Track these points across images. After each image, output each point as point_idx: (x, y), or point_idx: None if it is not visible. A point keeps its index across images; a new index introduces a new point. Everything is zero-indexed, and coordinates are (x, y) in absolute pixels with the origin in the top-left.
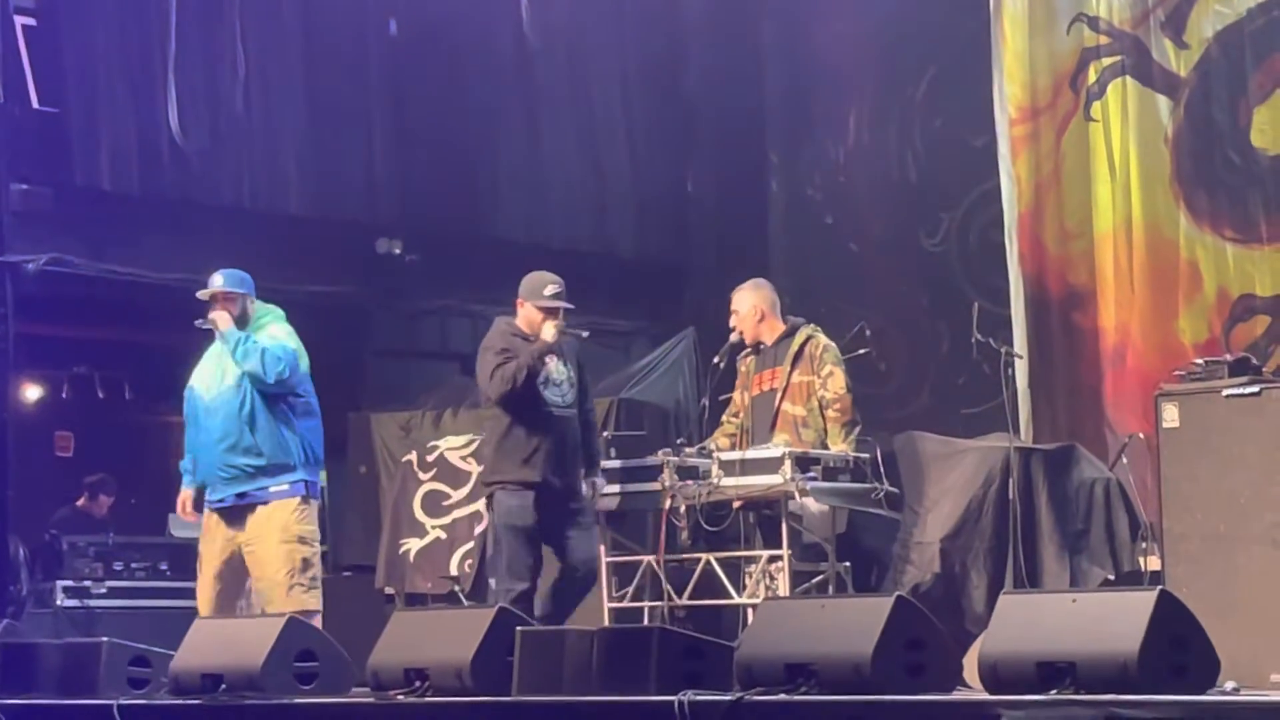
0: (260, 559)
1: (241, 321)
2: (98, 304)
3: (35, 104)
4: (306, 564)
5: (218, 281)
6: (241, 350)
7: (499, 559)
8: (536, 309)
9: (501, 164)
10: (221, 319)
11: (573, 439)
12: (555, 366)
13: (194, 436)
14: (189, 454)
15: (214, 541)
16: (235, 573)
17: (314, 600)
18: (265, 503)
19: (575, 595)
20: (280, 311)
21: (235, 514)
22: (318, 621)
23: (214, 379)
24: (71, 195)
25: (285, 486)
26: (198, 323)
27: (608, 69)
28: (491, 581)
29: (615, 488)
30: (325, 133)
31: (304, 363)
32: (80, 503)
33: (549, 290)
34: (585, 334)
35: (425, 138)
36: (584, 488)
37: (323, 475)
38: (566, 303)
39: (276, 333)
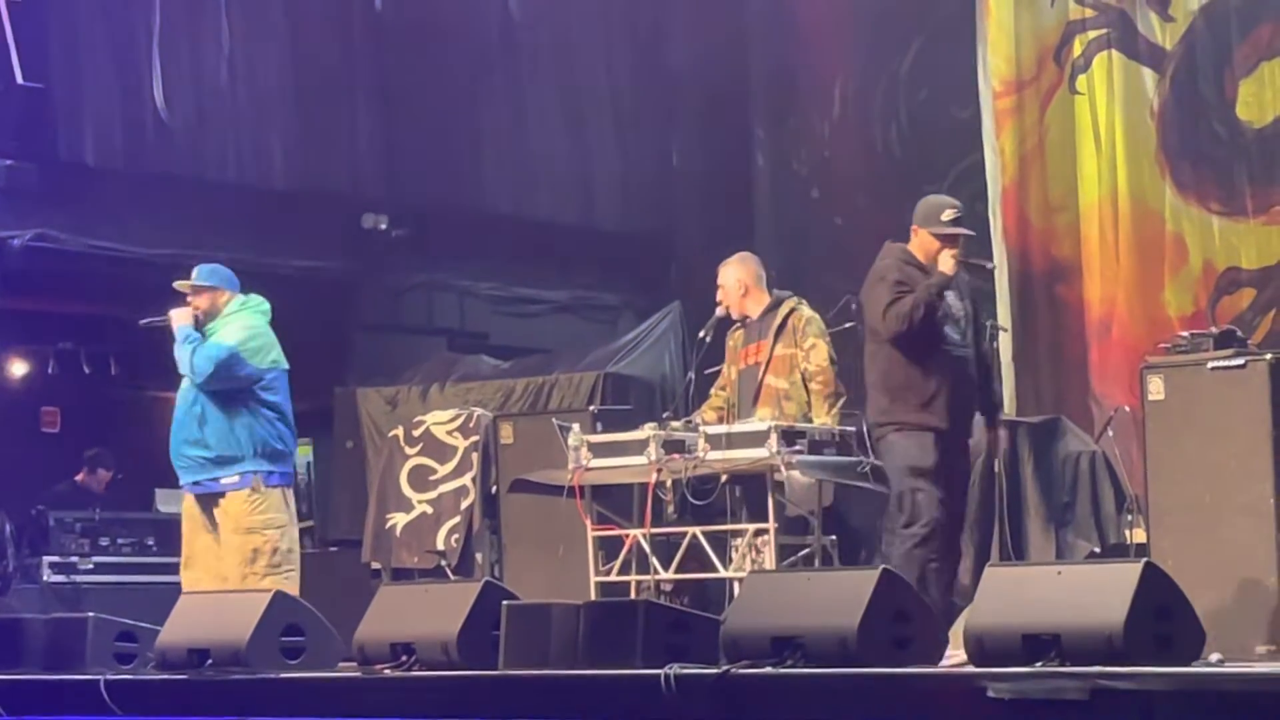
0: (219, 550)
1: (209, 315)
2: (83, 279)
3: (20, 79)
4: (258, 554)
5: (192, 275)
6: (177, 349)
7: (894, 506)
8: (933, 236)
9: (487, 138)
10: (178, 315)
11: (970, 381)
12: (953, 300)
13: None
14: None
15: (188, 524)
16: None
17: (278, 584)
18: (219, 494)
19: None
20: (261, 304)
21: (200, 501)
22: None
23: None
24: (56, 170)
25: (235, 478)
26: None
27: (593, 42)
28: (477, 556)
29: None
30: (310, 107)
31: (263, 357)
32: (79, 478)
33: (947, 215)
34: (991, 265)
35: (411, 112)
36: (983, 437)
37: (306, 451)
38: (967, 229)
39: (229, 332)
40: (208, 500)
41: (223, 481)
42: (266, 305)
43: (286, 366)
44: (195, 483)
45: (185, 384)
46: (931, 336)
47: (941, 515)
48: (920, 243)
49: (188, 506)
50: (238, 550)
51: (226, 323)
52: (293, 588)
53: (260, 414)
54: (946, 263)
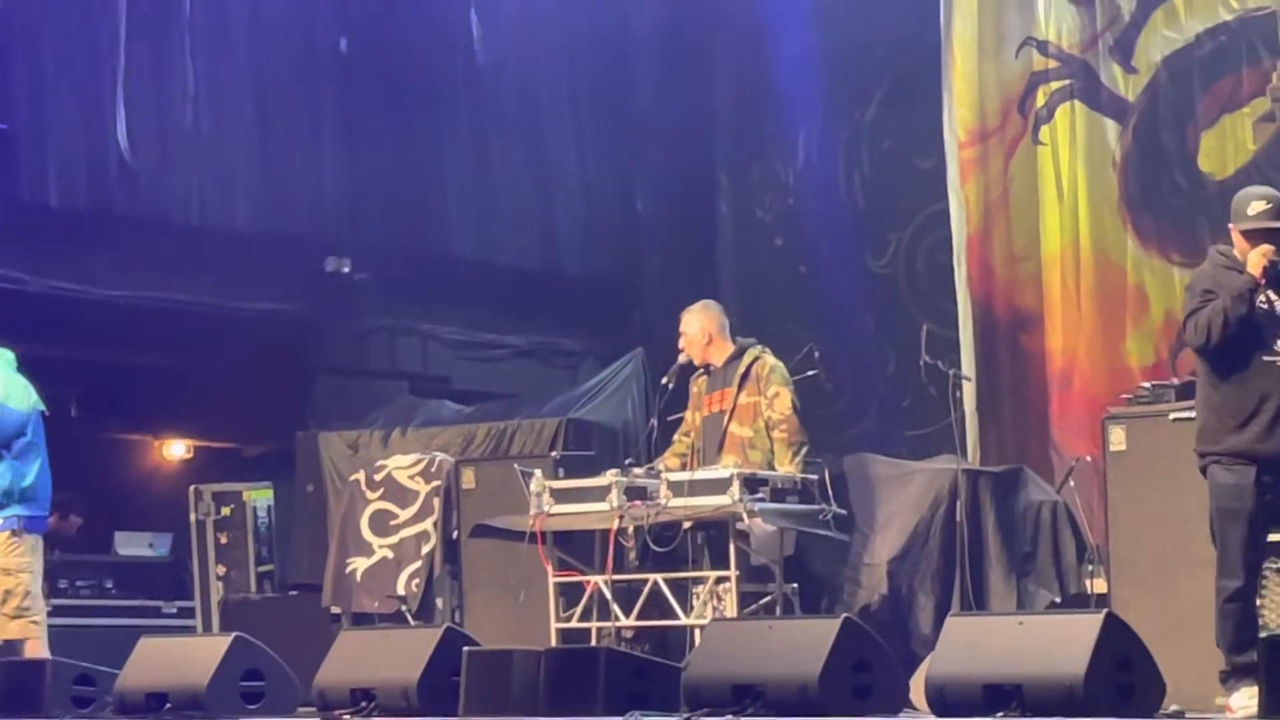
0: None
1: None
2: (44, 321)
3: None
4: (10, 595)
5: None
6: None
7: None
8: (1240, 234)
9: (451, 182)
10: None
11: None
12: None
13: None
14: None
15: None
16: None
17: (21, 630)
18: None
19: None
20: (5, 354)
21: None
22: (33, 650)
23: None
24: (19, 212)
25: None
26: None
27: (557, 88)
28: (438, 602)
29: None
30: (274, 150)
31: (23, 401)
32: (51, 521)
33: (1253, 208)
34: None
35: (375, 156)
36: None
37: (266, 494)
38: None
39: None
40: None
41: None
42: (11, 355)
43: (44, 409)
44: None
45: None
46: (1244, 348)
47: (1260, 559)
48: (1236, 241)
49: None
50: None
51: None
52: (37, 632)
53: (25, 458)
54: (1254, 263)
